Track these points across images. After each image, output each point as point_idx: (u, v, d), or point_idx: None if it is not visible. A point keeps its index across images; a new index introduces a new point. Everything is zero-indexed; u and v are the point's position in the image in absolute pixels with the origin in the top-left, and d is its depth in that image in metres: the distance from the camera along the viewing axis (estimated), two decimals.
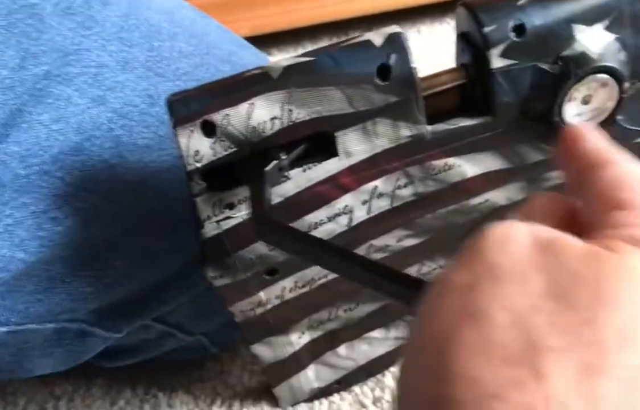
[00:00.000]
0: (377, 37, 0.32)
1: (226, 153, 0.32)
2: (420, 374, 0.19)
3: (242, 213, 0.33)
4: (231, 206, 0.33)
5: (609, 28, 0.32)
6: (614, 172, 0.25)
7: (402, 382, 0.20)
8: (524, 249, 0.20)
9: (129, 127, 0.39)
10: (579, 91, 0.33)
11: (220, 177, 0.33)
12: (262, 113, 0.31)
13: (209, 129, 0.31)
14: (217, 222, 0.33)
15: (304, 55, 0.32)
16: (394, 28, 0.32)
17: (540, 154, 0.35)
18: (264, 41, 0.78)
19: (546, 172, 0.36)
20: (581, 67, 0.32)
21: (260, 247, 0.34)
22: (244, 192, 0.33)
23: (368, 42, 0.32)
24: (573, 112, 0.33)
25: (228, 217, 0.33)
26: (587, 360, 0.17)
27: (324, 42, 0.83)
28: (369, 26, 0.82)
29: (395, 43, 0.31)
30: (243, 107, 0.31)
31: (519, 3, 0.32)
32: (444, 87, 0.34)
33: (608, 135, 0.34)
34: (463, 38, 0.34)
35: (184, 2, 0.48)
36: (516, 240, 0.20)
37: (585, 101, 0.33)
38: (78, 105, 0.38)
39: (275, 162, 0.31)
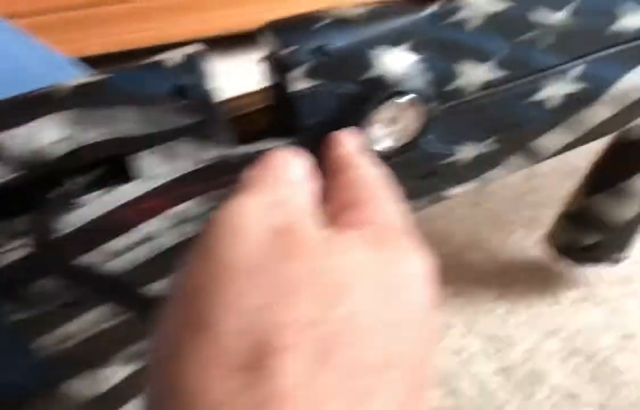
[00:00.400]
0: (174, 56, 0.31)
1: (10, 178, 0.29)
2: (153, 394, 0.18)
3: (29, 243, 0.30)
4: (18, 235, 0.30)
5: (411, 50, 0.33)
6: (351, 175, 0.26)
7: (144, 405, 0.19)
8: (257, 240, 0.19)
9: None
10: (384, 113, 0.33)
11: (7, 203, 0.30)
12: (49, 134, 0.29)
13: None
14: (4, 253, 0.30)
15: (97, 73, 0.31)
16: (194, 47, 0.31)
17: None
18: (118, 60, 0.75)
19: None
20: (384, 88, 0.32)
21: (54, 279, 0.32)
22: (31, 220, 0.30)
23: (165, 61, 0.30)
24: (379, 133, 0.33)
25: (14, 248, 0.30)
26: (316, 355, 0.17)
27: None
28: (223, 47, 0.81)
29: (192, 62, 0.30)
30: (27, 128, 0.29)
31: (320, 24, 0.31)
32: (252, 108, 0.34)
33: (415, 156, 0.35)
34: (268, 59, 0.33)
35: None
36: (249, 230, 0.19)
37: (391, 123, 0.33)
38: None
39: (64, 187, 0.30)
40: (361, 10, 0.32)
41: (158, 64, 0.31)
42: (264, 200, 0.21)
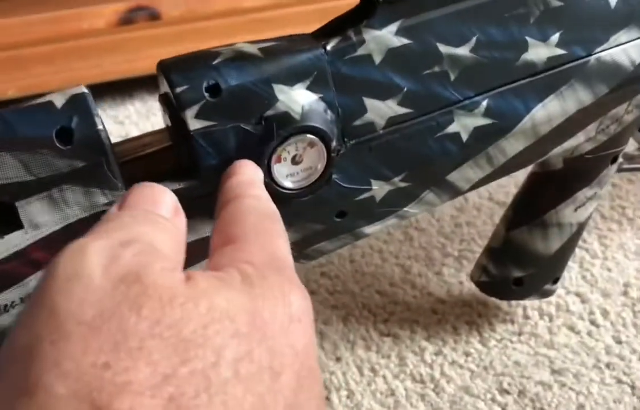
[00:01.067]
0: (59, 98, 0.29)
1: None
2: None
3: None
4: None
5: (310, 88, 0.32)
6: (233, 207, 0.25)
7: None
8: (99, 289, 0.17)
9: None
10: (288, 152, 0.32)
11: None
12: None
13: None
14: None
15: None
16: (80, 88, 0.30)
17: None
18: None
19: None
20: (284, 127, 0.31)
21: None
22: None
23: (49, 104, 0.29)
24: (284, 172, 0.32)
25: None
26: None
27: (106, 103, 0.80)
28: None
29: (78, 104, 0.29)
30: None
31: (214, 63, 0.30)
32: (150, 150, 0.32)
33: (325, 194, 0.34)
34: (162, 99, 0.32)
35: None
36: (89, 276, 0.17)
37: (296, 162, 0.32)
38: None
39: None
40: (258, 47, 0.32)
41: (44, 105, 0.29)
42: (110, 242, 0.19)
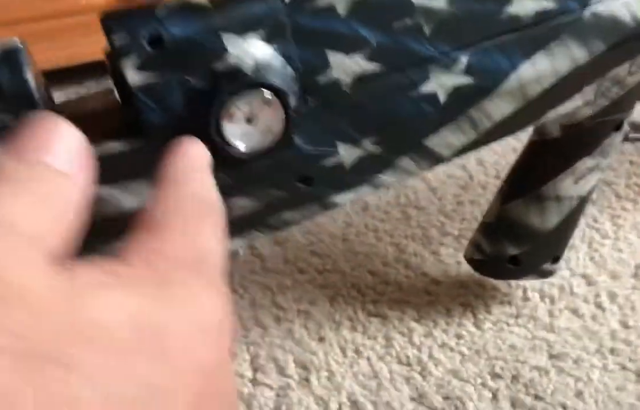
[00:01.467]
0: None
1: None
2: None
3: None
4: None
5: (266, 39, 0.29)
6: (166, 188, 0.22)
7: None
8: None
9: None
10: (240, 109, 0.30)
11: None
12: None
13: None
14: None
15: None
16: (13, 40, 0.28)
17: None
18: None
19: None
20: (233, 82, 0.29)
21: None
22: None
23: None
24: (237, 132, 0.30)
25: None
26: None
27: None
28: None
29: (8, 56, 0.27)
30: None
31: (156, 12, 0.28)
32: (95, 109, 0.31)
33: (285, 157, 0.32)
34: (106, 54, 0.30)
35: None
36: None
37: (249, 120, 0.30)
38: None
39: None
40: None
41: None
42: None
